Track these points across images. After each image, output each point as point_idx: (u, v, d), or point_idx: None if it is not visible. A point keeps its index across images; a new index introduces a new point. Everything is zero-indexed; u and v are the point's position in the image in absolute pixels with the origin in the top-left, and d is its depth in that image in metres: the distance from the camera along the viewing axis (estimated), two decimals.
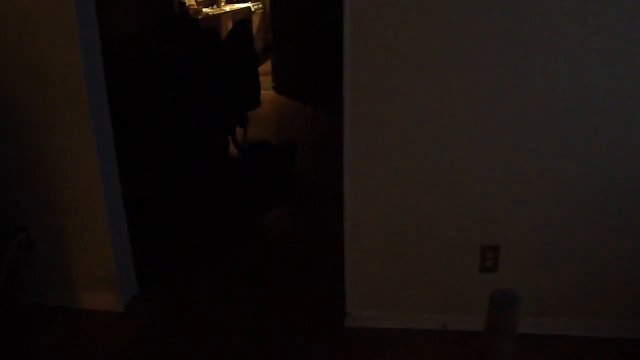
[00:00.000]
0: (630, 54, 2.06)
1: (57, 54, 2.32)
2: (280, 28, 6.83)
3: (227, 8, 8.32)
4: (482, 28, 2.08)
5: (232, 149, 4.86)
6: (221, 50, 4.44)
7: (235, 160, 4.81)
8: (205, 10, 7.75)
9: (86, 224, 2.57)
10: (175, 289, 2.88)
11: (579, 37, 2.05)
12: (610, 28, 2.03)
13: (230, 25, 7.94)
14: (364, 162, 2.32)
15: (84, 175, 2.49)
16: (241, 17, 7.79)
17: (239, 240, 3.41)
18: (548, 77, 2.11)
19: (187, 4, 7.13)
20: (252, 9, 8.94)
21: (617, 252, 2.33)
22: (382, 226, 2.40)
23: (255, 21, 8.99)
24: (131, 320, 2.65)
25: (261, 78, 5.09)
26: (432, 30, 2.11)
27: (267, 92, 6.57)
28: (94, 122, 2.41)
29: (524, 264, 2.39)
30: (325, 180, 4.32)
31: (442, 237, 2.39)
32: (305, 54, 6.63)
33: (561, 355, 2.36)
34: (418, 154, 2.28)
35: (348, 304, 2.54)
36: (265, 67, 7.58)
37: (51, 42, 2.31)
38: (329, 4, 6.41)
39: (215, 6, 8.14)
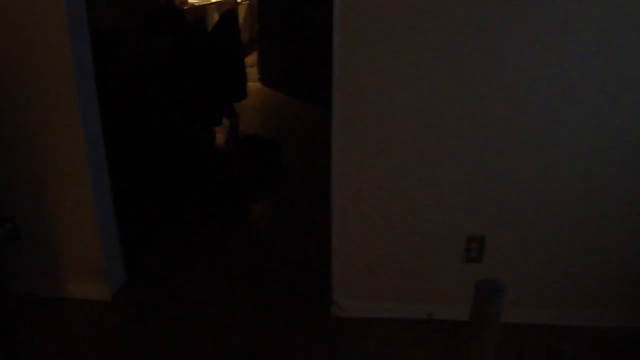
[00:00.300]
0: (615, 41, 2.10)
1: (47, 44, 2.31)
2: (267, 20, 6.81)
3: None
4: (470, 26, 2.11)
5: (219, 140, 4.86)
6: (207, 41, 4.43)
7: (221, 152, 4.80)
8: (190, 0, 7.70)
9: (73, 213, 2.57)
10: (163, 280, 2.89)
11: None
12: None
13: (216, 16, 7.90)
14: (350, 153, 2.34)
15: (71, 163, 2.48)
16: (227, 8, 7.75)
17: (226, 233, 3.42)
18: (533, 67, 2.14)
19: None
20: (238, 0, 8.90)
21: (601, 242, 2.38)
22: (367, 216, 2.42)
23: (241, 12, 8.94)
24: (118, 309, 2.66)
25: (247, 70, 5.08)
26: (421, 23, 2.13)
27: (253, 84, 6.55)
28: (82, 108, 2.40)
29: (508, 255, 2.43)
30: (311, 172, 4.34)
31: (428, 228, 2.42)
32: (292, 46, 6.62)
33: (546, 346, 2.41)
34: (404, 145, 2.30)
35: (334, 293, 2.56)
36: (251, 59, 7.56)
37: (40, 33, 2.30)
38: None
39: None
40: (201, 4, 7.74)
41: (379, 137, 2.30)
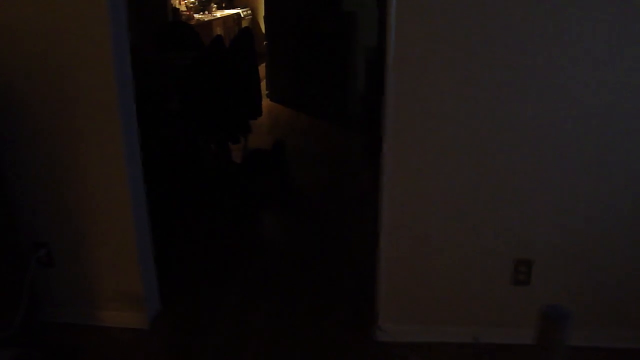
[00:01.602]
0: None
1: (90, 66, 2.26)
2: (274, 34, 6.80)
3: (218, 14, 8.27)
4: (523, 52, 2.09)
5: (236, 156, 4.83)
6: (225, 59, 4.40)
7: (237, 168, 4.78)
8: (196, 16, 7.69)
9: (112, 239, 2.52)
10: (198, 304, 2.83)
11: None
12: None
13: (219, 31, 7.90)
14: (401, 177, 2.31)
15: (112, 189, 2.43)
16: (246, 25, 7.77)
17: (252, 250, 3.38)
18: (588, 96, 2.13)
19: (179, 10, 7.07)
20: (242, 15, 8.91)
21: None
22: (416, 241, 2.39)
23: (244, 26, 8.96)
24: (156, 337, 2.60)
25: None
26: (475, 49, 2.11)
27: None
28: (124, 133, 2.36)
29: (557, 278, 2.40)
30: (326, 188, 4.32)
31: (476, 251, 2.39)
32: (301, 60, 6.61)
33: None
34: (453, 169, 2.27)
35: (380, 318, 2.52)
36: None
37: (84, 53, 2.26)
38: (324, 11, 6.43)
39: (206, 12, 8.08)
40: (206, 19, 7.73)
41: (430, 163, 2.27)
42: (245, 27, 5.93)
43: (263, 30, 7.86)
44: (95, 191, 2.45)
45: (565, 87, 2.13)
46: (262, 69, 7.40)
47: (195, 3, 7.94)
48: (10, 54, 2.28)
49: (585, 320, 2.44)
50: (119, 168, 2.40)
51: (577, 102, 2.14)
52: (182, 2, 7.71)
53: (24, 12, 2.22)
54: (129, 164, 2.42)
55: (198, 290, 2.95)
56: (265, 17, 7.04)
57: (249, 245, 3.47)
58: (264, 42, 7.05)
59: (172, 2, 6.98)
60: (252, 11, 9.35)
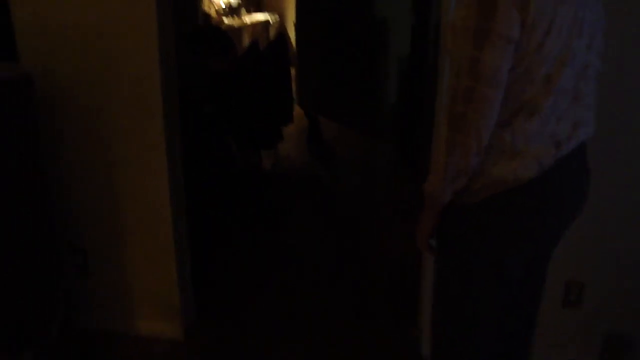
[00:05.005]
0: None
1: (135, 65, 2.23)
2: (304, 41, 6.75)
3: (247, 19, 8.23)
4: None
5: (266, 163, 4.80)
6: (261, 65, 4.36)
7: (268, 175, 4.75)
8: (226, 21, 7.67)
9: (150, 249, 2.47)
10: (233, 314, 2.78)
11: None
12: None
13: (247, 36, 7.87)
14: None
15: (152, 194, 2.39)
16: (279, 31, 7.74)
17: (286, 260, 3.33)
18: None
19: (210, 15, 7.05)
20: (270, 22, 8.87)
21: None
22: None
23: (272, 32, 8.92)
24: (191, 348, 2.55)
25: None
26: None
27: None
28: (167, 144, 2.32)
29: (608, 302, 2.31)
30: (360, 197, 4.26)
31: None
32: (330, 68, 6.55)
33: None
34: None
35: (424, 345, 2.45)
36: None
37: (130, 54, 2.23)
38: (355, 18, 6.37)
39: (235, 16, 8.05)
40: (237, 25, 7.71)
41: None
42: (280, 33, 5.88)
43: (292, 37, 7.83)
44: (135, 198, 2.41)
45: None
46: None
47: (225, 8, 7.91)
48: (57, 53, 2.26)
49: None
50: (161, 175, 2.36)
51: None
52: (212, 7, 7.69)
53: (72, 11, 2.19)
54: (171, 171, 2.37)
55: (233, 301, 2.90)
56: (295, 24, 6.99)
57: (283, 255, 3.41)
58: (294, 49, 7.01)
59: (202, 6, 6.97)
60: (280, 17, 9.31)
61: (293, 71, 5.01)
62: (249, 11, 8.69)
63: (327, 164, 4.85)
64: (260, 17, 8.81)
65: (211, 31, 5.47)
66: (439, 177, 1.38)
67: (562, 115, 1.37)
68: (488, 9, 1.23)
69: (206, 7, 7.30)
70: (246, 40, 7.78)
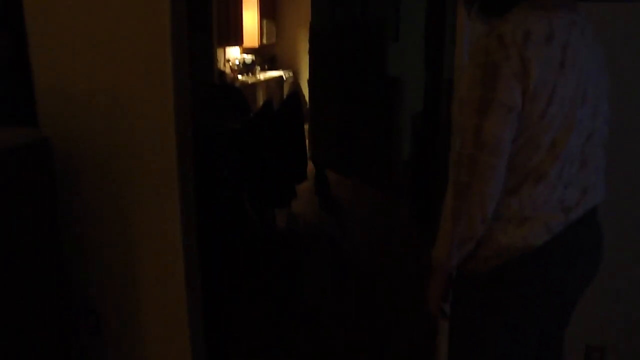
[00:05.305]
0: None
1: (151, 129, 2.25)
2: (318, 98, 6.84)
3: (262, 76, 8.39)
4: None
5: (280, 220, 4.79)
6: (275, 124, 4.41)
7: (282, 234, 4.73)
8: (240, 77, 7.82)
9: (163, 313, 2.44)
10: None
11: None
12: None
13: (262, 94, 8.01)
14: None
15: (166, 259, 2.36)
16: (293, 88, 7.86)
17: (301, 318, 3.28)
18: None
19: (225, 73, 7.19)
20: (284, 77, 9.03)
21: None
22: None
23: (286, 89, 9.06)
24: None
25: None
26: None
27: None
28: (181, 204, 2.32)
29: None
30: (376, 255, 4.22)
31: None
32: (344, 124, 6.61)
33: None
34: None
35: None
36: None
37: (145, 117, 2.25)
38: (369, 75, 6.46)
39: (250, 74, 8.21)
40: (251, 82, 7.85)
41: None
42: (295, 91, 5.97)
43: (306, 93, 7.95)
44: (149, 261, 2.40)
45: None
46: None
47: (239, 66, 8.08)
48: (76, 118, 2.29)
49: None
50: (175, 239, 2.34)
51: None
52: (227, 65, 7.86)
53: (91, 76, 2.23)
54: (185, 235, 2.36)
55: None
56: (309, 81, 7.11)
57: (297, 313, 3.36)
58: (307, 105, 7.10)
59: (217, 64, 7.12)
60: (294, 74, 9.48)
61: (306, 126, 5.09)
62: (263, 69, 8.85)
63: (337, 216, 4.84)
64: (273, 73, 8.96)
65: (226, 90, 5.57)
66: (445, 244, 1.38)
67: (570, 181, 1.37)
68: (490, 78, 1.26)
69: (221, 65, 7.45)
70: (260, 96, 7.90)
